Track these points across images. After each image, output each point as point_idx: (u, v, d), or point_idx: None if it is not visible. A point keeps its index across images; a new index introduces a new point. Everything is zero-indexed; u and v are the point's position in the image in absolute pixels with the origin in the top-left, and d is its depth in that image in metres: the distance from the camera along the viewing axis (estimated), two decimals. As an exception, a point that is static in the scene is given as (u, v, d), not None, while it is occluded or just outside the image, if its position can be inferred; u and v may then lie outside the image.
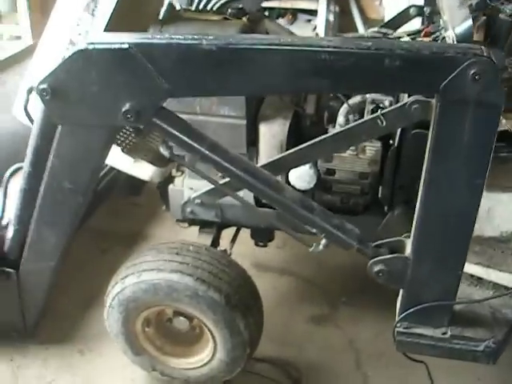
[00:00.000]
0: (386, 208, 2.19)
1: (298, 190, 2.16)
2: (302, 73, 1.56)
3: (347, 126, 1.82)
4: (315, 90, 1.80)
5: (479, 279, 2.07)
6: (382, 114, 1.71)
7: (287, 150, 2.14)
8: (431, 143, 1.62)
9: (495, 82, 1.48)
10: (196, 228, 2.57)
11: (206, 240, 2.42)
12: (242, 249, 2.69)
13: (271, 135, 2.15)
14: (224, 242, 2.56)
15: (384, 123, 1.71)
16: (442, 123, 1.58)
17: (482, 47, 1.51)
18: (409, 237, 2.00)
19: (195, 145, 1.75)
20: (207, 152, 1.76)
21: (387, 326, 2.35)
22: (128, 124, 1.72)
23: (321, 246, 1.91)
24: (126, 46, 1.56)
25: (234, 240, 2.57)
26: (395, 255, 1.85)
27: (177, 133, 1.74)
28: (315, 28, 4.50)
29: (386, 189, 2.14)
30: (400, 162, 2.06)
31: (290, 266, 2.98)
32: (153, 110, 1.68)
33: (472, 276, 2.08)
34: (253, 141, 2.20)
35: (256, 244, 2.61)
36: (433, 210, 1.73)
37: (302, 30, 4.34)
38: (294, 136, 2.19)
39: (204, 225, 2.48)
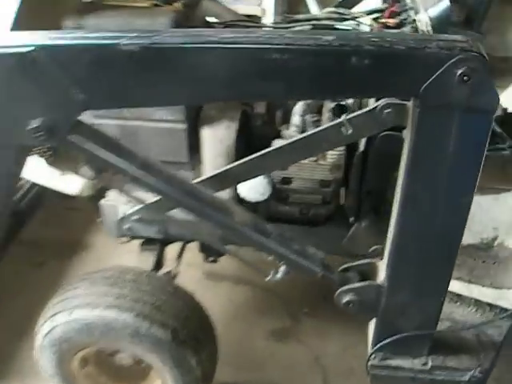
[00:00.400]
0: (351, 218, 1.87)
1: (250, 203, 1.83)
2: (248, 77, 1.21)
3: (305, 134, 1.47)
4: (265, 97, 1.45)
5: (459, 295, 1.79)
6: (348, 120, 1.37)
7: (236, 155, 1.80)
8: (408, 155, 1.30)
9: (487, 83, 1.16)
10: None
11: (149, 258, 2.07)
12: (192, 257, 2.34)
13: (216, 140, 1.79)
14: (171, 255, 2.22)
15: (350, 131, 1.37)
16: (421, 132, 1.26)
17: (470, 39, 1.19)
18: (378, 250, 1.71)
19: (123, 165, 1.40)
20: (138, 173, 1.40)
21: (355, 338, 2.08)
22: (39, 143, 1.35)
23: (279, 274, 1.59)
24: (29, 49, 1.18)
25: (180, 255, 2.21)
26: (367, 283, 1.54)
27: (99, 151, 1.38)
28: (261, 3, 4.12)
29: (352, 197, 1.82)
30: (367, 168, 1.74)
31: (246, 274, 2.62)
32: (67, 125, 1.30)
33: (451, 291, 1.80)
34: (195, 147, 1.83)
35: (206, 259, 2.26)
36: (410, 231, 1.42)
37: (247, 6, 3.94)
38: (243, 139, 1.83)
39: (146, 241, 2.12)
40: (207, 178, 1.68)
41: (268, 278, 1.59)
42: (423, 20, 1.55)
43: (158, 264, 2.07)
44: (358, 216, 1.84)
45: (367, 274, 1.59)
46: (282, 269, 1.57)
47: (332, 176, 1.79)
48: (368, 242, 1.83)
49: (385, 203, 1.78)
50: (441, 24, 1.53)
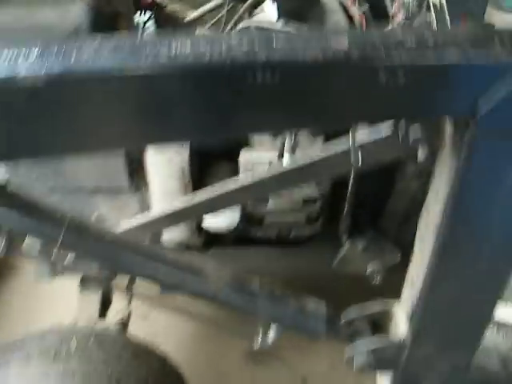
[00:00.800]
0: (344, 237, 1.48)
1: (215, 234, 1.41)
2: (215, 112, 0.78)
3: (295, 166, 1.04)
4: (244, 130, 0.99)
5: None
6: (357, 147, 0.96)
7: (192, 174, 1.36)
8: (450, 190, 0.91)
9: None
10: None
11: (92, 300, 1.62)
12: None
13: (166, 160, 1.34)
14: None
15: (359, 160, 0.96)
16: (473, 163, 0.86)
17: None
18: (377, 270, 1.36)
19: (45, 229, 0.95)
20: (69, 241, 0.96)
21: (343, 351, 1.73)
22: None
23: (272, 336, 1.20)
24: None
25: (130, 288, 1.75)
26: (385, 343, 1.16)
27: (8, 214, 0.92)
28: None
29: (346, 213, 1.41)
30: (364, 179, 1.33)
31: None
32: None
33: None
34: (137, 166, 1.37)
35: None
36: (446, 280, 1.04)
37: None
38: (200, 153, 1.38)
39: (84, 279, 1.66)
40: (160, 216, 1.25)
41: (257, 345, 1.19)
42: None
43: (105, 304, 1.63)
44: (352, 234, 1.46)
45: (379, 321, 1.22)
46: (273, 331, 1.18)
47: (319, 191, 1.39)
48: (364, 262, 1.47)
49: (385, 217, 1.41)
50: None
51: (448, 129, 0.89)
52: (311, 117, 0.81)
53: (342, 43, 0.75)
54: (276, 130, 0.97)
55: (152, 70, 0.73)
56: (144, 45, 0.77)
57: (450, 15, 1.15)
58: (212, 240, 1.51)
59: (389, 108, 0.80)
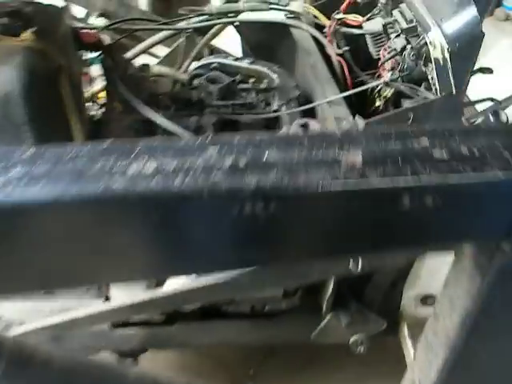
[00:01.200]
0: (326, 310, 1.31)
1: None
2: (184, 248, 0.59)
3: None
4: (220, 268, 0.79)
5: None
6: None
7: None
8: (470, 308, 0.74)
9: None
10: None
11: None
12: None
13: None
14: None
15: (359, 268, 0.79)
16: (502, 288, 0.69)
17: None
18: (359, 341, 1.21)
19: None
20: (10, 374, 0.76)
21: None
22: None
23: None
24: None
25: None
26: None
27: None
28: None
29: (330, 294, 1.23)
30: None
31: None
32: None
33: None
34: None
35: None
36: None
37: None
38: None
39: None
40: (122, 307, 1.05)
41: None
42: (436, 40, 0.95)
43: None
44: (334, 307, 1.29)
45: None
46: None
47: (298, 264, 1.21)
48: (347, 334, 1.31)
49: (370, 289, 1.25)
50: (465, 48, 0.93)
51: (471, 247, 0.72)
52: (310, 249, 0.63)
53: (355, 159, 0.57)
54: (263, 266, 0.79)
55: (102, 199, 0.55)
56: (91, 160, 0.57)
57: (453, 70, 0.99)
58: (176, 315, 1.33)
59: (409, 237, 0.62)
